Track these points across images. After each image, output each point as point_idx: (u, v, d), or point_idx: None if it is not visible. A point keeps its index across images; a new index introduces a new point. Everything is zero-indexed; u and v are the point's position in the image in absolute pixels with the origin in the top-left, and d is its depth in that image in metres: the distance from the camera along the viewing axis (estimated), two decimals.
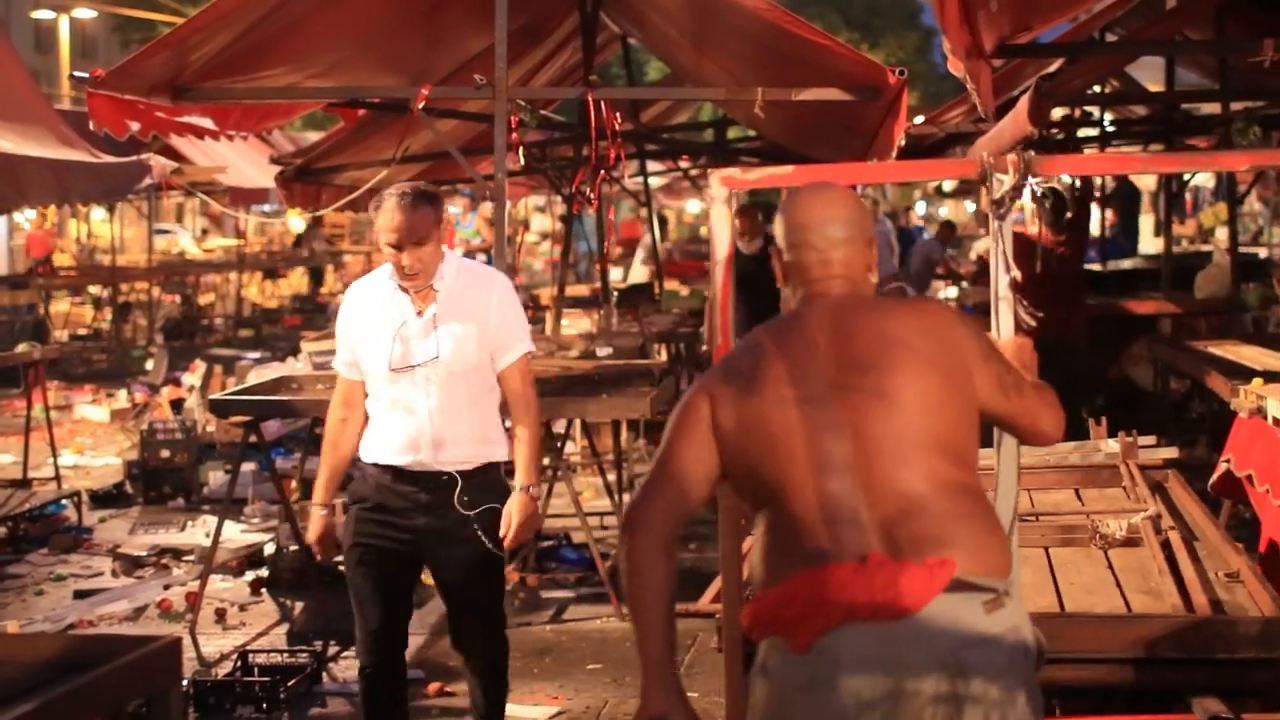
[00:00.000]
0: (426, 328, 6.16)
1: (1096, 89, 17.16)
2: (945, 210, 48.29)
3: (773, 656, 3.83)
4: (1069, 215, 13.05)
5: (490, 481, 6.32)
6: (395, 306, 6.20)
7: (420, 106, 9.80)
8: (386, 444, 6.23)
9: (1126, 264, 19.97)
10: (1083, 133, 18.75)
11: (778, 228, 4.15)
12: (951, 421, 3.88)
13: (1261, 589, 5.73)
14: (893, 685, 3.66)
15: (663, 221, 33.55)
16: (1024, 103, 9.60)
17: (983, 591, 3.72)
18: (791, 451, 3.85)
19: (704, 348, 14.43)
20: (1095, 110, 18.36)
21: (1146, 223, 28.35)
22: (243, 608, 10.01)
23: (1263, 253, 22.71)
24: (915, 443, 3.82)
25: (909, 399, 3.84)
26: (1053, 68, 11.41)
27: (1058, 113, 16.11)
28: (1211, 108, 16.25)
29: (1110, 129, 18.43)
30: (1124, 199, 23.85)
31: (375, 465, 6.25)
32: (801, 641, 3.72)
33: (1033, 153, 4.83)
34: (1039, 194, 4.95)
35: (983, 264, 15.81)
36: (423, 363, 6.15)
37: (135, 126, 9.74)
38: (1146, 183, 29.89)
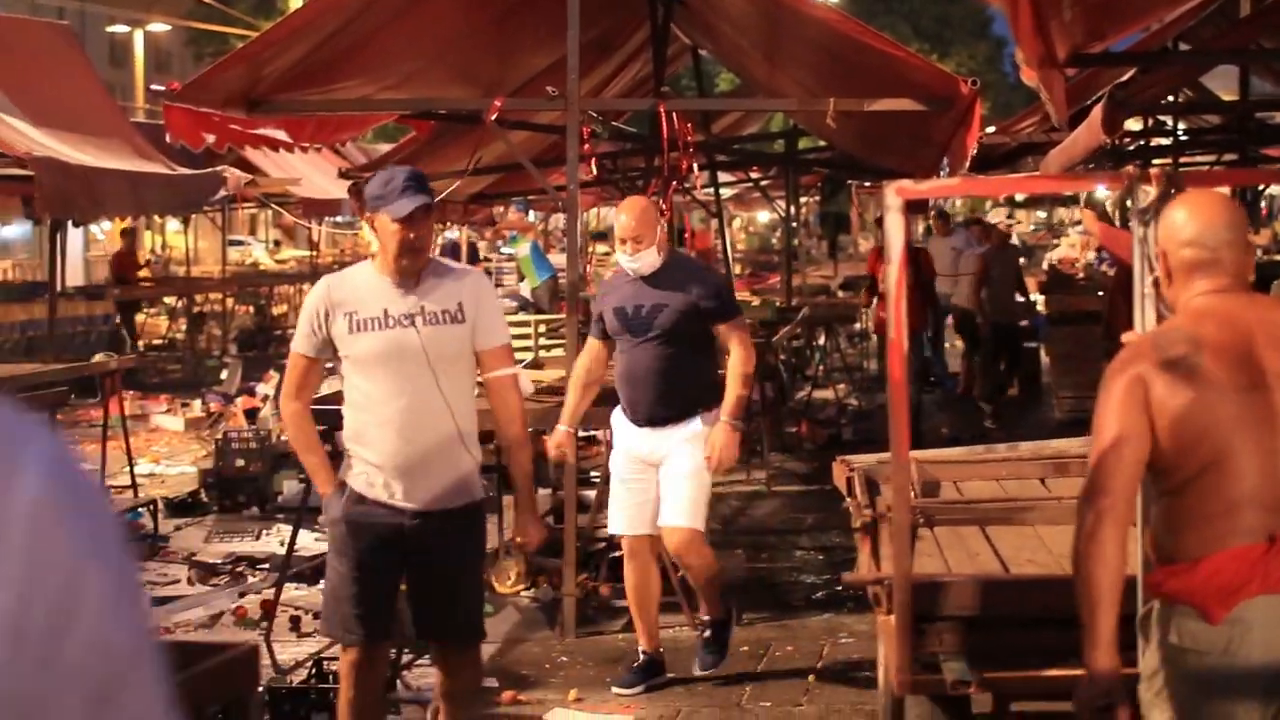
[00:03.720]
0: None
1: (1170, 98, 17.04)
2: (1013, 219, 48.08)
3: (1183, 625, 4.16)
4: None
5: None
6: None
7: (493, 118, 9.85)
8: None
9: None
10: (1156, 142, 18.64)
11: (1165, 232, 4.48)
12: None
13: None
14: None
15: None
16: (1097, 112, 9.56)
17: None
18: (1228, 436, 4.16)
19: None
20: (1169, 120, 18.25)
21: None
22: (317, 615, 10.05)
23: None
24: None
25: None
26: (1125, 77, 11.36)
27: (1131, 123, 16.02)
28: None
29: (1183, 138, 18.31)
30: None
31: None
32: (1217, 613, 4.08)
33: (1175, 169, 5.33)
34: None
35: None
36: None
37: (211, 139, 9.85)
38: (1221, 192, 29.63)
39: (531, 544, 6.60)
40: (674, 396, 8.20)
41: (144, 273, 27.99)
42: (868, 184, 24.28)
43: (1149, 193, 5.19)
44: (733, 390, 8.15)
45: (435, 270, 6.27)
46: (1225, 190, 4.94)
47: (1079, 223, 45.40)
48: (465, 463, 6.24)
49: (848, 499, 7.77)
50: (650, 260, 8.14)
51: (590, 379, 8.52)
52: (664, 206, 11.36)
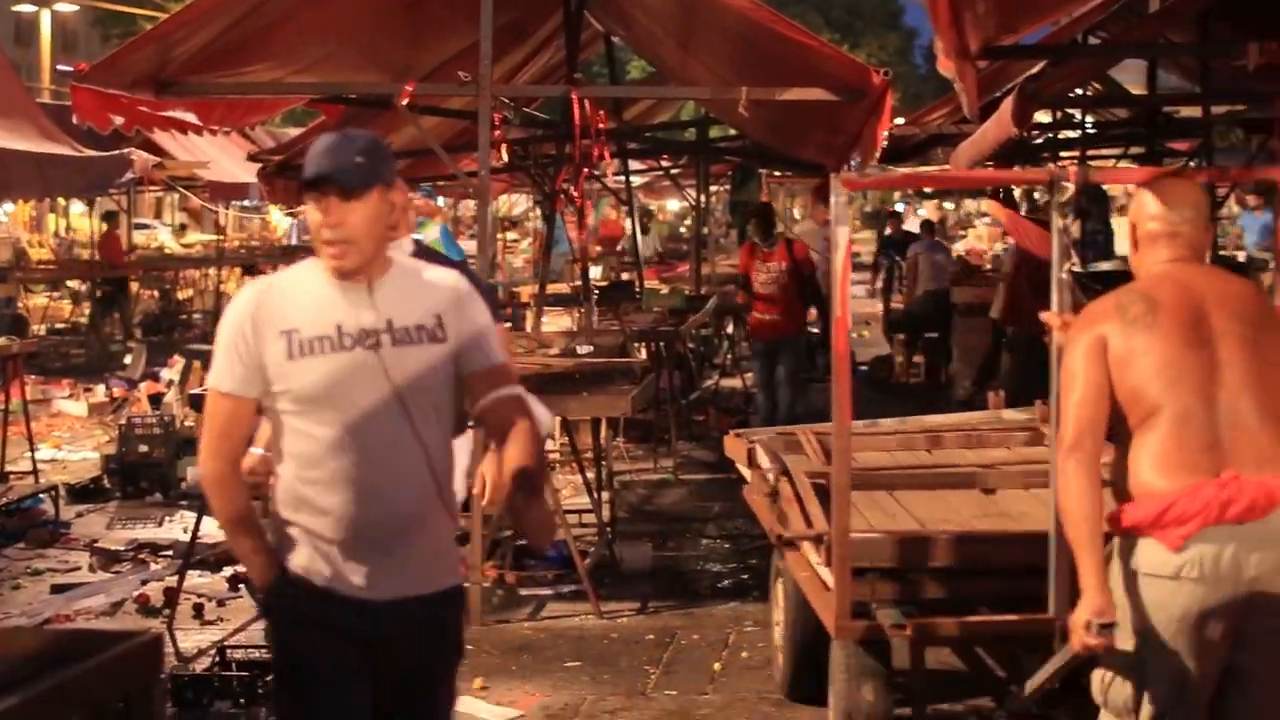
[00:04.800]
0: None
1: (1079, 92, 17.19)
2: (924, 211, 48.35)
3: (1143, 554, 4.80)
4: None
5: None
6: None
7: (404, 103, 9.79)
8: None
9: (1106, 265, 19.98)
10: (1063, 135, 18.77)
11: (1136, 207, 5.23)
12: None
13: None
14: (1237, 572, 4.69)
15: (648, 215, 33.55)
16: (1008, 104, 9.61)
17: None
18: (1179, 386, 4.82)
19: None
20: (1077, 113, 18.38)
21: (1122, 224, 28.37)
22: (221, 603, 9.98)
23: (1241, 255, 22.75)
24: (1276, 383, 4.89)
25: (1265, 347, 4.94)
26: (1035, 70, 11.41)
27: (1040, 116, 16.12)
28: (1193, 111, 16.26)
29: (1091, 132, 18.44)
30: (1092, 201, 23.85)
31: None
32: (1174, 542, 4.71)
33: (1089, 165, 5.87)
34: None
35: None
36: None
37: (119, 120, 9.74)
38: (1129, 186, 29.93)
39: (547, 537, 4.80)
40: None
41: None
42: (777, 174, 24.35)
43: (1068, 188, 5.76)
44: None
45: (402, 271, 4.71)
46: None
47: (986, 214, 45.71)
48: (444, 531, 4.73)
49: (749, 469, 8.35)
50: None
51: None
52: (575, 193, 11.35)
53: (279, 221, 35.73)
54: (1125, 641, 4.83)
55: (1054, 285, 5.76)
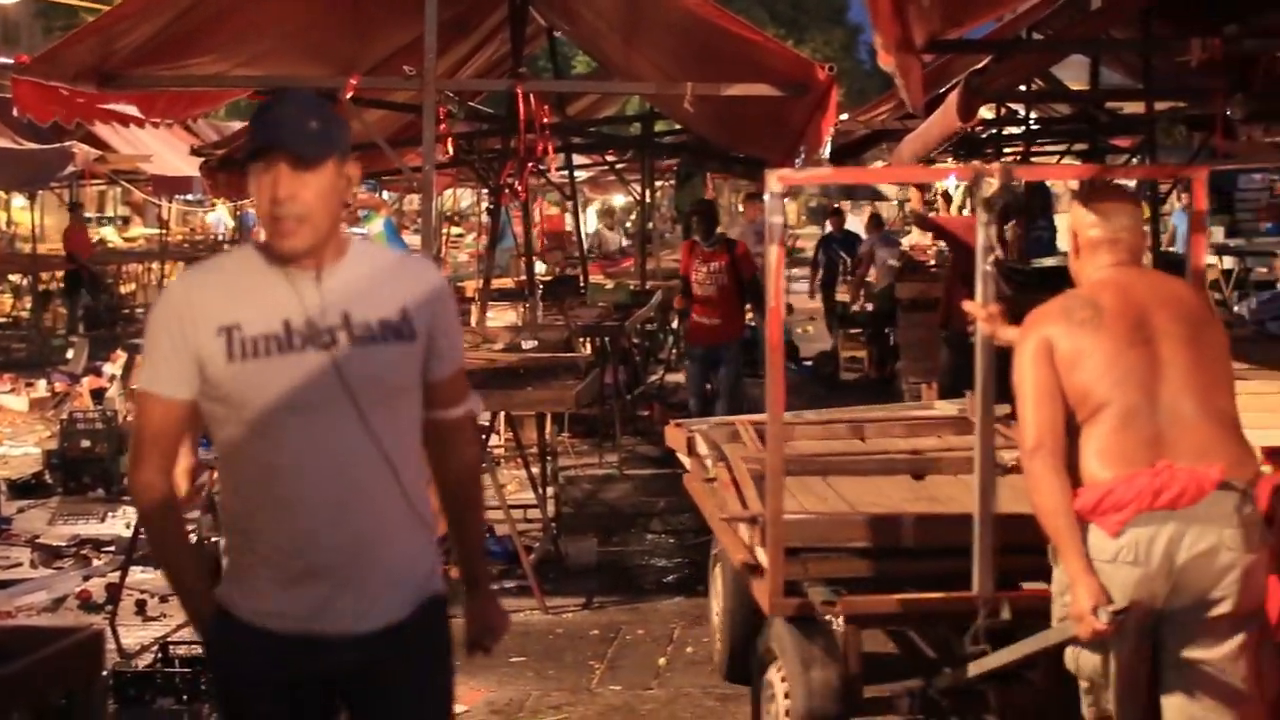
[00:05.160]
0: None
1: (1022, 88, 17.24)
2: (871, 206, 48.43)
3: (1091, 538, 5.10)
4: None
5: None
6: None
7: (348, 96, 9.75)
8: None
9: (1050, 261, 20.07)
10: (1008, 131, 18.83)
11: (1076, 216, 5.58)
12: (1226, 364, 5.37)
13: None
14: (1170, 556, 5.01)
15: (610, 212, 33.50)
16: (953, 99, 9.65)
17: (1236, 491, 5.05)
18: (1121, 383, 5.16)
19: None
20: (1020, 109, 18.45)
21: (1064, 221, 28.48)
22: (163, 599, 9.92)
23: (1182, 250, 22.86)
24: (1214, 378, 5.26)
25: (1204, 345, 5.30)
26: (980, 65, 11.45)
27: (984, 111, 16.17)
28: (1136, 108, 16.34)
29: (1035, 127, 18.51)
30: (1035, 197, 23.95)
31: None
32: (1113, 528, 5.04)
33: (1012, 162, 5.99)
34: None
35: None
36: None
37: (61, 113, 9.66)
38: (1071, 181, 30.04)
39: (498, 638, 4.41)
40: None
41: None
42: (720, 170, 24.36)
43: (992, 184, 5.96)
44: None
45: (361, 256, 4.08)
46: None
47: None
48: (418, 543, 4.11)
49: (689, 457, 8.65)
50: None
51: None
52: (520, 188, 11.33)
53: (211, 218, 35.54)
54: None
55: (978, 277, 5.97)
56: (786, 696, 6.53)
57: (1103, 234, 5.46)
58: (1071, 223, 5.63)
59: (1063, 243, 26.10)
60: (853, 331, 20.73)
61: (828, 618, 6.43)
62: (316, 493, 3.87)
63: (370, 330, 3.94)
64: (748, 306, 14.17)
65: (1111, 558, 5.04)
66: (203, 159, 14.98)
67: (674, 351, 20.29)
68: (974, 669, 5.93)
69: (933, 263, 21.06)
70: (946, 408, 9.47)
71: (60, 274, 27.97)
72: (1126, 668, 5.16)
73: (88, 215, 38.60)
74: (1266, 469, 5.97)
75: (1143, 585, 5.03)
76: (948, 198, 28.28)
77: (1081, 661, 5.28)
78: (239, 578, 3.99)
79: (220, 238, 36.29)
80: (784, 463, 6.43)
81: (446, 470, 4.27)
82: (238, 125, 24.88)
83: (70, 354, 21.10)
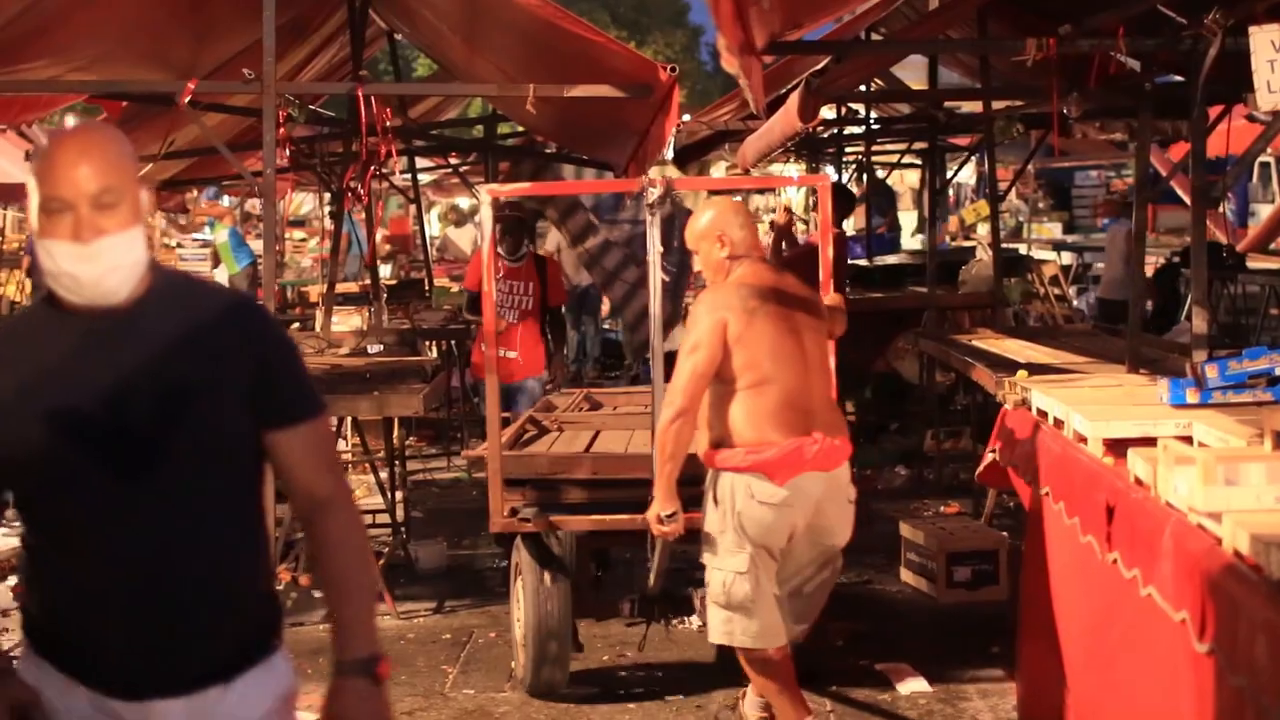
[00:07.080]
0: None
1: (863, 88, 17.38)
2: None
3: (756, 486, 6.80)
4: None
5: None
6: None
7: (186, 100, 9.63)
8: None
9: (892, 259, 20.28)
10: (849, 130, 18.98)
11: (699, 223, 7.16)
12: (830, 357, 7.27)
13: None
14: (820, 504, 6.95)
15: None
16: (794, 99, 9.71)
17: (848, 460, 7.09)
18: (777, 362, 6.82)
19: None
20: (861, 108, 18.61)
21: (909, 219, 28.76)
22: (5, 613, 9.79)
23: (1023, 249, 23.20)
24: (827, 368, 7.18)
25: (822, 340, 7.15)
26: (820, 66, 11.53)
27: (825, 111, 16.29)
28: (974, 107, 16.53)
29: (875, 127, 18.68)
30: (878, 196, 24.18)
31: None
32: (782, 479, 6.79)
33: (674, 173, 6.35)
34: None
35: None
36: None
37: None
38: (910, 180, 30.38)
39: None
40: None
41: None
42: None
43: (654, 191, 7.44)
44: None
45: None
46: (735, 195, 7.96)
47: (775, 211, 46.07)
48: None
49: None
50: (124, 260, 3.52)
51: None
52: (363, 192, 11.25)
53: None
54: (738, 550, 6.87)
55: (651, 271, 7.65)
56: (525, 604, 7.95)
57: (744, 236, 7.09)
58: (704, 227, 7.13)
59: (906, 239, 26.48)
60: None
61: (553, 536, 8.12)
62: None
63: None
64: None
65: (781, 502, 6.81)
66: None
67: None
68: (652, 576, 7.56)
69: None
70: None
71: None
72: (765, 593, 6.92)
73: None
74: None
75: (792, 519, 6.87)
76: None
77: (733, 591, 6.89)
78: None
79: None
80: (500, 416, 8.19)
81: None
82: None
83: None
